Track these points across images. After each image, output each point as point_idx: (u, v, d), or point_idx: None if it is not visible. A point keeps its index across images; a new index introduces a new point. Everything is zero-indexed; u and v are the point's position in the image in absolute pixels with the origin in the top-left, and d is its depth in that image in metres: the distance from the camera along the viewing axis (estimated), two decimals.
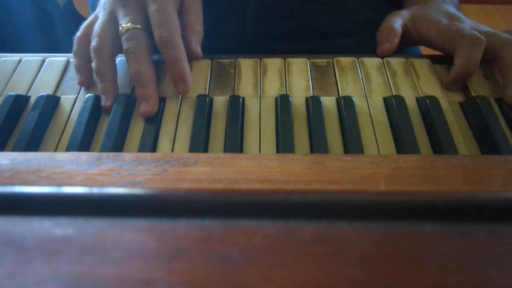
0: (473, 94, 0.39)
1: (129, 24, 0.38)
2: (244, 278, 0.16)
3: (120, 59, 0.43)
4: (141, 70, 0.37)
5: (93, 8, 0.59)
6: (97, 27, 0.39)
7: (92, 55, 0.39)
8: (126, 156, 0.25)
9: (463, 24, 0.42)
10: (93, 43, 0.39)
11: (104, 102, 0.38)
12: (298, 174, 0.23)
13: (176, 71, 0.38)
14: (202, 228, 0.18)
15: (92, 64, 0.39)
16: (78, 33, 0.41)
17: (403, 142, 0.34)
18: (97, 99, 0.38)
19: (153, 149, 0.35)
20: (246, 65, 0.42)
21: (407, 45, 0.48)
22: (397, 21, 0.44)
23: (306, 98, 0.39)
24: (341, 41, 0.54)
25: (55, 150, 0.35)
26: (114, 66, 0.39)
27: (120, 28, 0.38)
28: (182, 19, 0.40)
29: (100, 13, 0.41)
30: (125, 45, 0.38)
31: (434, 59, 0.43)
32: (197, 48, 0.41)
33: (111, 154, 0.25)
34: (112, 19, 0.39)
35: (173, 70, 0.38)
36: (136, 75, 0.37)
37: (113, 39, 0.39)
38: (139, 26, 0.38)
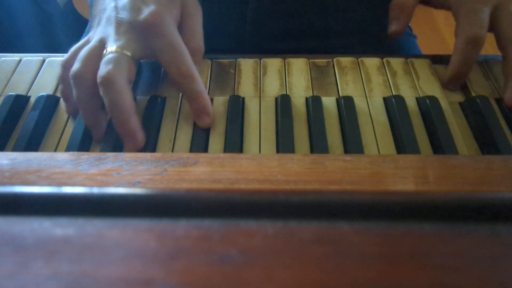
0: (473, 94, 0.39)
1: (114, 47, 0.34)
2: (244, 278, 0.16)
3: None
4: (116, 101, 0.33)
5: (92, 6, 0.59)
6: (82, 52, 0.35)
7: (72, 82, 0.34)
8: (126, 156, 0.25)
9: None
10: (74, 68, 0.34)
11: (96, 135, 0.35)
12: (298, 174, 0.23)
13: (198, 105, 0.36)
14: (202, 228, 0.18)
15: (73, 91, 0.35)
16: (65, 57, 0.38)
17: (403, 142, 0.34)
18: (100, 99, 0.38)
19: (153, 149, 0.35)
20: (246, 65, 0.42)
21: (426, 5, 0.45)
22: None
23: (306, 98, 0.39)
24: (341, 40, 0.54)
25: (55, 150, 0.35)
26: (97, 95, 0.34)
27: (104, 51, 0.34)
28: (181, 37, 0.38)
29: (93, 38, 0.37)
30: (99, 69, 0.33)
31: (434, 59, 0.43)
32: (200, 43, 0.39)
33: (111, 154, 0.25)
34: (101, 44, 0.36)
35: (195, 104, 0.36)
36: (112, 107, 0.33)
37: (96, 66, 0.34)
38: (127, 52, 0.34)
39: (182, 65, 0.35)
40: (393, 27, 0.42)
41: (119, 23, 0.36)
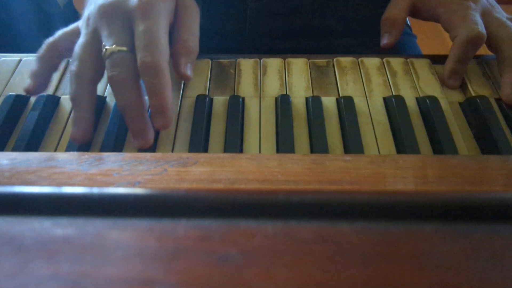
0: (473, 94, 0.39)
1: (113, 46, 0.33)
2: (244, 278, 0.16)
3: None
4: (128, 102, 0.33)
5: None
6: (77, 49, 0.35)
7: (70, 79, 0.34)
8: (126, 156, 0.25)
9: (477, 5, 0.41)
10: (73, 67, 0.34)
11: (74, 132, 0.33)
12: (298, 174, 0.23)
13: (155, 102, 0.33)
14: (202, 228, 0.18)
15: (70, 89, 0.34)
16: (51, 38, 0.37)
17: (403, 142, 0.34)
18: (97, 99, 0.38)
19: (153, 149, 0.35)
20: (246, 65, 0.42)
21: (414, 18, 0.47)
22: (402, 6, 0.44)
23: (306, 98, 0.39)
24: (341, 40, 0.54)
25: (55, 150, 0.35)
26: (94, 94, 0.35)
27: (104, 50, 0.34)
28: (175, 34, 0.37)
29: (83, 30, 0.36)
30: (109, 72, 0.33)
31: (434, 59, 0.43)
32: (187, 70, 0.37)
33: (111, 154, 0.25)
34: (95, 39, 0.35)
35: (153, 101, 0.33)
36: (125, 108, 0.33)
37: (95, 63, 0.34)
38: (124, 48, 0.33)
39: (149, 54, 0.32)
40: (386, 41, 0.44)
41: (105, 10, 0.35)
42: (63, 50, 0.36)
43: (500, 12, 0.43)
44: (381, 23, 0.45)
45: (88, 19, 0.36)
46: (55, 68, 0.38)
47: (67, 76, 0.42)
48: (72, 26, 0.38)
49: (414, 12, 0.45)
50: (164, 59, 0.33)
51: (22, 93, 0.39)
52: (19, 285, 0.15)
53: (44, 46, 0.37)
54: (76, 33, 0.37)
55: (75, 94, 0.34)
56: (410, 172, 0.23)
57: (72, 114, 0.35)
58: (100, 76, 0.35)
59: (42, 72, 0.37)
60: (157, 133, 0.36)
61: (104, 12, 0.35)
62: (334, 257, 0.17)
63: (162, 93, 0.33)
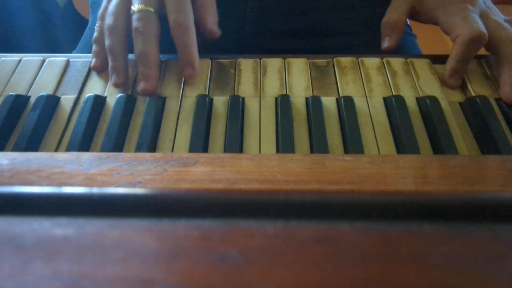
0: (473, 94, 0.39)
1: (141, 5, 0.38)
2: (244, 278, 0.16)
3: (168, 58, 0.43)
4: (147, 51, 0.38)
5: (93, 8, 0.59)
6: (111, 7, 0.40)
7: (106, 33, 0.39)
8: (126, 156, 0.25)
9: (475, 7, 0.42)
10: (108, 21, 0.39)
11: (116, 79, 0.39)
12: (298, 174, 0.23)
13: (187, 56, 0.39)
14: (202, 228, 0.18)
15: (105, 41, 0.40)
16: (100, 9, 0.42)
17: (403, 142, 0.34)
18: (97, 99, 0.38)
19: (153, 149, 0.35)
20: (246, 65, 0.42)
21: (414, 21, 0.48)
22: (402, 9, 0.45)
23: (306, 98, 0.39)
24: (341, 40, 0.54)
25: (55, 150, 0.35)
26: (126, 46, 0.40)
27: (132, 8, 0.39)
28: (195, 2, 0.41)
29: None
30: (134, 24, 0.38)
31: (434, 59, 0.43)
32: (214, 27, 0.42)
33: (111, 154, 0.25)
34: (125, 1, 0.40)
35: (184, 55, 0.39)
36: (142, 55, 0.38)
37: (126, 19, 0.39)
38: (151, 9, 0.38)
39: (181, 15, 0.38)
40: (387, 44, 0.45)
41: None
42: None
43: (497, 15, 0.43)
44: (382, 27, 0.45)
45: None
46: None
47: (67, 77, 0.42)
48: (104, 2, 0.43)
49: (414, 15, 0.46)
50: (192, 21, 0.39)
51: (22, 93, 0.39)
52: (19, 285, 0.15)
53: (96, 29, 0.42)
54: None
55: (111, 46, 0.39)
56: (410, 172, 0.23)
57: (110, 64, 0.40)
58: (131, 32, 0.39)
59: (100, 51, 0.42)
60: (157, 133, 0.36)
61: None
62: (334, 257, 0.17)
63: (191, 48, 0.39)
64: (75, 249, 0.17)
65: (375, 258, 0.17)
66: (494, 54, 0.41)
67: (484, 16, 0.42)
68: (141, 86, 0.38)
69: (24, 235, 0.17)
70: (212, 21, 0.42)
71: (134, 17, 0.38)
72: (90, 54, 0.43)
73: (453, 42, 0.41)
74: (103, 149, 0.34)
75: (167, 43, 0.40)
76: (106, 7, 0.42)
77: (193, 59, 0.39)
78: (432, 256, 0.17)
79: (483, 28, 0.39)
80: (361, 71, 0.42)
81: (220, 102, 0.38)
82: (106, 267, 0.16)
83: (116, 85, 0.40)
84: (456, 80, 0.40)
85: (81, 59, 0.43)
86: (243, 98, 0.39)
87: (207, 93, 0.39)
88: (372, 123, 0.36)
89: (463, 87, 0.40)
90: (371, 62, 0.42)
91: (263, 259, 0.16)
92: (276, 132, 0.36)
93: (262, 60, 0.43)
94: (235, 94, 0.39)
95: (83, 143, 0.35)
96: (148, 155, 0.25)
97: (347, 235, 0.18)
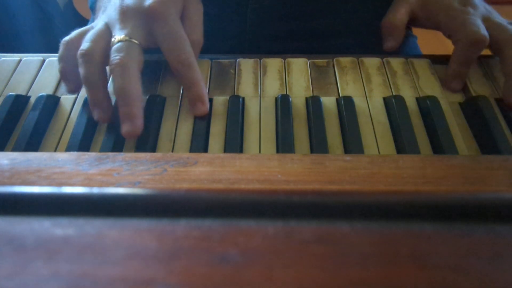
0: (473, 94, 0.39)
1: (123, 36, 0.35)
2: (244, 278, 0.16)
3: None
4: (126, 87, 0.34)
5: (93, 8, 0.59)
6: (89, 34, 0.37)
7: (80, 60, 0.35)
8: (126, 156, 0.25)
9: (476, 11, 0.42)
10: (83, 47, 0.35)
11: (99, 115, 0.35)
12: (298, 174, 0.23)
13: (195, 93, 0.37)
14: (202, 228, 0.18)
15: (79, 70, 0.36)
16: (67, 38, 0.38)
17: (403, 142, 0.34)
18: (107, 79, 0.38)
19: (153, 149, 0.35)
20: (246, 65, 0.42)
21: (415, 27, 0.48)
22: (402, 11, 0.45)
23: (306, 98, 0.39)
24: (341, 41, 0.54)
25: (55, 150, 0.35)
26: (104, 73, 0.36)
27: (113, 39, 0.36)
28: (184, 21, 0.39)
29: (98, 24, 0.38)
30: (112, 56, 0.34)
31: (434, 59, 0.43)
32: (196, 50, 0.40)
33: (111, 154, 0.25)
34: (107, 30, 0.37)
35: (191, 93, 0.37)
36: (121, 92, 0.34)
37: (106, 48, 0.36)
38: (135, 41, 0.35)
39: (182, 53, 0.36)
40: (389, 44, 0.45)
41: (124, 10, 0.37)
42: (79, 47, 0.37)
43: (499, 18, 0.43)
44: (382, 28, 0.45)
45: (104, 18, 0.38)
46: (77, 65, 0.39)
47: None
48: (86, 27, 0.40)
49: (414, 20, 0.46)
50: (193, 55, 0.37)
51: (22, 93, 0.39)
52: (19, 285, 0.15)
53: (61, 46, 0.38)
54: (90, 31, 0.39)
55: (86, 76, 0.35)
56: (410, 172, 0.23)
57: (87, 94, 0.36)
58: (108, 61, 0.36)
59: (70, 71, 0.38)
60: (157, 133, 0.36)
61: (120, 12, 0.37)
62: (334, 257, 0.17)
63: (199, 84, 0.37)
64: (75, 249, 0.17)
65: (375, 258, 0.17)
66: (498, 55, 0.41)
67: (486, 19, 0.42)
68: (126, 128, 0.34)
69: (24, 235, 0.17)
70: (197, 52, 0.39)
71: (113, 48, 0.35)
72: None
73: (454, 46, 0.41)
74: (103, 149, 0.34)
75: None
76: (82, 32, 0.38)
77: (202, 95, 0.37)
78: (432, 256, 0.17)
79: (483, 32, 0.39)
80: (361, 71, 0.42)
81: (220, 102, 0.38)
82: (106, 267, 0.16)
83: (101, 120, 0.36)
84: (458, 84, 0.40)
85: None
86: (243, 98, 0.39)
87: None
88: (372, 123, 0.36)
89: (463, 87, 0.40)
90: (371, 62, 0.42)
91: (263, 259, 0.16)
92: (276, 132, 0.36)
93: (262, 60, 0.43)
94: (235, 94, 0.39)
95: (83, 143, 0.35)
96: (148, 155, 0.25)
97: (347, 235, 0.18)
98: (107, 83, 0.37)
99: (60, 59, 0.38)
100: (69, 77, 0.38)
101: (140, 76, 0.35)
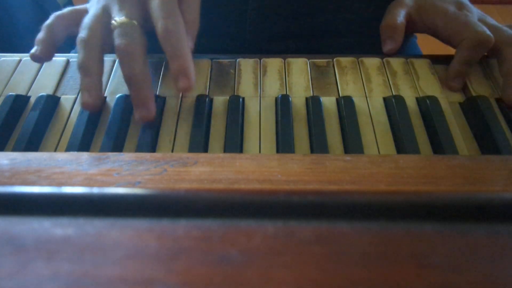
0: (473, 94, 0.39)
1: (123, 18, 0.34)
2: (244, 278, 0.16)
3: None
4: (135, 71, 0.34)
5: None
6: (87, 19, 0.36)
7: (79, 46, 0.35)
8: (126, 156, 0.25)
9: (472, 14, 0.42)
10: (82, 34, 0.35)
11: (86, 98, 0.35)
12: (298, 174, 0.23)
13: (179, 64, 0.34)
14: (202, 228, 0.18)
15: (78, 56, 0.35)
16: (60, 12, 0.38)
17: (403, 142, 0.34)
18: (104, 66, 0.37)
19: (153, 149, 0.35)
20: (246, 65, 0.42)
21: (411, 33, 0.48)
22: (400, 14, 0.44)
23: (306, 98, 0.39)
24: (341, 41, 0.54)
25: (55, 150, 0.35)
26: (101, 62, 0.36)
27: (113, 22, 0.35)
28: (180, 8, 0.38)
29: (92, 6, 0.38)
30: (117, 41, 0.34)
31: (434, 59, 0.43)
32: (191, 43, 0.38)
33: (111, 154, 0.25)
34: (105, 13, 0.36)
35: (176, 64, 0.34)
36: (130, 77, 0.34)
37: (104, 33, 0.35)
38: (135, 22, 0.35)
39: (170, 21, 0.34)
40: (389, 46, 0.44)
41: None
42: (69, 23, 0.37)
43: (493, 21, 0.43)
44: (381, 32, 0.45)
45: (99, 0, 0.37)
46: (60, 39, 0.39)
47: (67, 77, 0.42)
48: (81, 6, 0.40)
49: (410, 24, 0.45)
50: (183, 26, 0.35)
51: (22, 93, 0.39)
52: (19, 285, 0.15)
53: (51, 17, 0.38)
54: (84, 11, 0.38)
55: (83, 61, 0.35)
56: (410, 172, 0.23)
57: (80, 81, 0.35)
58: (108, 46, 0.36)
59: (48, 40, 0.38)
60: (157, 133, 0.36)
61: None
62: (334, 257, 0.17)
63: (185, 55, 0.34)
64: (75, 249, 0.17)
65: (375, 258, 0.17)
66: (496, 56, 0.41)
67: (482, 22, 0.42)
68: (140, 113, 0.34)
69: (24, 235, 0.17)
70: (190, 37, 0.37)
71: (116, 32, 0.34)
72: None
73: (457, 46, 0.41)
74: (103, 149, 0.34)
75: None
76: (75, 11, 0.38)
77: (186, 68, 0.34)
78: (432, 256, 0.17)
79: (488, 32, 0.39)
80: (361, 71, 0.42)
81: (220, 102, 0.38)
82: (106, 267, 0.16)
83: (86, 105, 0.35)
84: (459, 83, 0.40)
85: None
86: (243, 98, 0.39)
87: (207, 93, 0.39)
88: (372, 123, 0.36)
89: (463, 87, 0.41)
90: (371, 62, 0.42)
91: (263, 259, 0.16)
92: (276, 132, 0.36)
93: (262, 60, 0.43)
94: (235, 94, 0.39)
95: (83, 143, 0.35)
96: (148, 155, 0.25)
97: (347, 235, 0.18)
98: (103, 70, 0.37)
99: (45, 27, 0.38)
100: (43, 43, 0.38)
101: (147, 59, 0.35)
